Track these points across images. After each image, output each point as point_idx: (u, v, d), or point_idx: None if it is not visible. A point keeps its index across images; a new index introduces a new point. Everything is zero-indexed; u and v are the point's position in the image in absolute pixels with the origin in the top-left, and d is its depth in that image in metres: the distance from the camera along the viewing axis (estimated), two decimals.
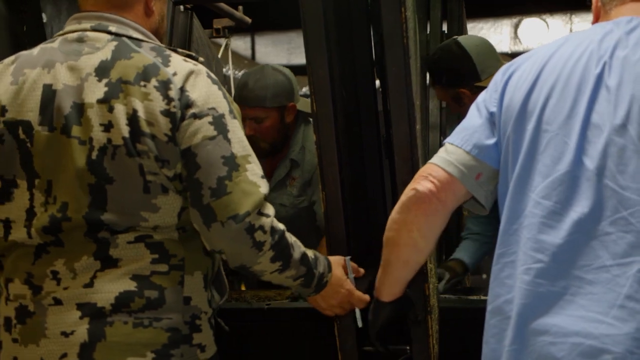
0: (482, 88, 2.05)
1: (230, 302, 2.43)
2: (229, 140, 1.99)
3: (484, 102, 1.93)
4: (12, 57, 2.09)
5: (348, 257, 2.31)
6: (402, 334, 2.32)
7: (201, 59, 2.12)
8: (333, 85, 2.33)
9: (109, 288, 1.97)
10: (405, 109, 2.29)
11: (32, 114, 1.99)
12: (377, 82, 2.53)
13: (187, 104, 1.96)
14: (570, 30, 8.11)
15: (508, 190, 1.84)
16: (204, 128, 1.96)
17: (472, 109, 1.95)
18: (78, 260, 1.98)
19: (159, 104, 1.94)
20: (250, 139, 2.15)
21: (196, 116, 1.96)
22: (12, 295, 2.03)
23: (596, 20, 1.94)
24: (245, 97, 3.26)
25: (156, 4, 2.13)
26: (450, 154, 1.91)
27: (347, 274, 2.28)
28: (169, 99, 1.95)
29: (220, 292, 2.15)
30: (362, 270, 2.33)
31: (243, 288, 3.38)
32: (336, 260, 2.27)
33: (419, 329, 2.30)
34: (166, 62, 1.99)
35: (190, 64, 2.02)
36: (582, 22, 8.21)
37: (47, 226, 1.98)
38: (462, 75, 3.10)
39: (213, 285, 2.12)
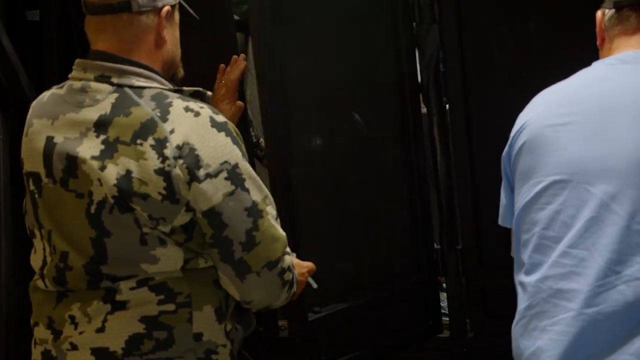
0: None
1: None
2: (247, 190, 1.97)
3: (502, 165, 1.95)
4: (33, 102, 2.11)
5: None
6: None
7: (209, 93, 2.11)
8: None
9: (119, 332, 1.95)
10: None
11: (38, 166, 2.01)
12: None
13: (197, 163, 1.91)
14: None
15: (530, 243, 1.83)
16: (222, 185, 1.94)
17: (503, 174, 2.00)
18: (90, 304, 1.96)
19: (153, 162, 1.89)
20: None
21: (210, 175, 1.93)
22: (37, 339, 2.05)
23: (601, 41, 1.94)
24: None
25: (168, 32, 2.05)
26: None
27: None
28: (164, 157, 1.89)
29: (244, 323, 2.11)
30: None
31: None
32: None
33: None
34: (165, 115, 1.92)
35: (191, 115, 1.94)
36: None
37: (55, 276, 1.99)
38: None
39: (234, 317, 2.08)
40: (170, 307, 1.95)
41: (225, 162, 1.93)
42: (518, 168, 1.89)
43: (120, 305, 1.95)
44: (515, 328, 1.84)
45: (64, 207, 1.97)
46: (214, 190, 1.92)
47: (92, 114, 1.96)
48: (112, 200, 1.91)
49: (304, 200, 2.63)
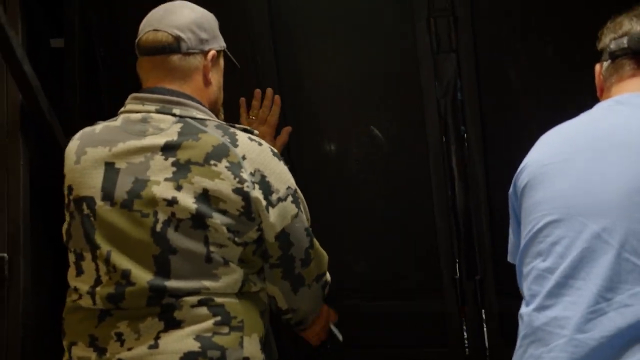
0: None
1: None
2: (304, 211, 2.21)
3: (510, 203, 2.04)
4: (78, 134, 2.21)
5: None
6: None
7: (256, 131, 2.22)
8: None
9: (173, 348, 2.02)
10: None
11: (94, 190, 2.10)
12: None
13: (269, 189, 2.10)
14: None
15: (530, 275, 1.89)
16: (289, 208, 2.14)
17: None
18: (143, 321, 2.04)
19: (230, 182, 2.05)
20: None
21: (282, 200, 2.12)
22: (75, 357, 2.10)
23: (601, 92, 2.05)
24: None
25: (213, 76, 2.23)
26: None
27: None
28: (241, 179, 2.06)
29: (270, 357, 2.20)
30: None
31: None
32: None
33: None
34: (234, 141, 2.09)
35: (255, 144, 2.12)
36: None
37: (112, 293, 2.06)
38: None
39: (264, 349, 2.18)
40: (225, 329, 2.05)
41: (289, 187, 2.15)
42: (523, 205, 1.97)
43: (175, 324, 2.03)
44: (514, 358, 1.87)
45: (125, 227, 2.06)
46: (285, 213, 2.13)
47: (157, 140, 2.09)
48: (188, 216, 2.03)
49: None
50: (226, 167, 2.05)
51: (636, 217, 1.76)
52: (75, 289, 2.13)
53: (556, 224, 1.86)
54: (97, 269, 2.09)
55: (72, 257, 2.15)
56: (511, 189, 2.04)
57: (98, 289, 2.07)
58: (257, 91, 2.83)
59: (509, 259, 2.12)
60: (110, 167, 2.10)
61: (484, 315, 3.00)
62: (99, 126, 2.19)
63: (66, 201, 2.16)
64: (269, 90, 2.85)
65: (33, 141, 2.86)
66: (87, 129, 2.21)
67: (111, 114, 2.26)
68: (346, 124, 2.97)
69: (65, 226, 2.18)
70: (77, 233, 2.12)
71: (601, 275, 1.76)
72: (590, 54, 2.08)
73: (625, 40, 1.98)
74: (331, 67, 2.94)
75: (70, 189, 2.14)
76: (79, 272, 2.12)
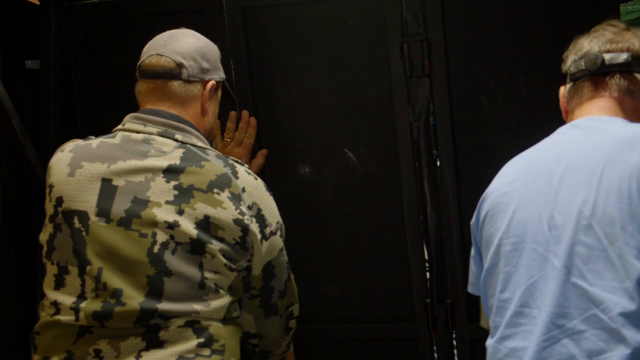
0: None
1: None
2: (284, 245, 2.25)
3: (472, 233, 2.07)
4: (70, 145, 2.20)
5: None
6: None
7: (247, 164, 2.28)
8: None
9: None
10: None
11: (88, 205, 2.08)
12: None
13: (263, 223, 2.14)
14: None
15: (493, 307, 1.92)
16: (278, 242, 2.20)
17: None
18: (124, 340, 2.03)
19: (231, 212, 2.08)
20: None
21: (273, 234, 2.17)
22: None
23: (565, 114, 2.06)
24: None
25: (210, 105, 2.27)
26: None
27: None
28: (241, 212, 2.09)
29: None
30: None
31: None
32: None
33: None
34: (235, 173, 2.13)
35: (252, 178, 2.17)
36: None
37: (98, 311, 2.04)
38: None
39: None
40: (206, 351, 2.08)
41: (278, 222, 2.21)
42: (483, 236, 1.99)
43: (158, 344, 2.05)
44: None
45: (120, 245, 2.05)
46: (274, 247, 2.19)
47: (160, 162, 2.10)
48: (187, 240, 2.05)
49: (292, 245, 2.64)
50: (228, 197, 2.09)
51: (582, 241, 1.76)
52: (55, 303, 2.10)
53: (512, 253, 1.87)
54: (82, 285, 2.07)
55: (52, 269, 2.12)
56: (473, 219, 2.05)
57: (82, 304, 2.05)
58: (233, 113, 2.85)
59: (470, 289, 2.12)
60: (107, 184, 2.09)
61: (454, 341, 3.01)
62: (95, 141, 2.17)
63: (51, 212, 2.13)
64: (245, 112, 2.86)
65: (5, 163, 2.85)
66: (81, 143, 2.19)
67: (85, 136, 2.25)
68: (321, 148, 2.98)
69: (45, 237, 2.15)
70: (64, 246, 2.10)
71: (552, 302, 1.77)
72: (564, 82, 2.09)
73: (583, 62, 1.98)
74: (306, 91, 2.96)
75: (59, 200, 2.12)
76: (59, 285, 2.10)
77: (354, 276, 3.04)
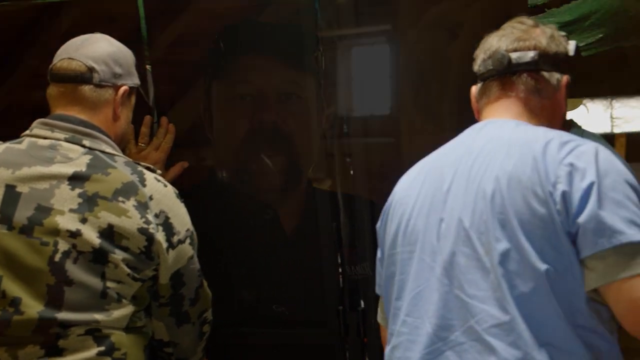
0: None
1: None
2: (195, 253, 2.23)
3: (377, 236, 2.06)
4: None
5: None
6: None
7: (159, 171, 2.24)
8: None
9: None
10: None
11: None
12: None
13: (171, 231, 2.11)
14: (611, 116, 8.23)
15: (390, 314, 1.92)
16: (186, 249, 2.17)
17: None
18: (22, 348, 2.01)
19: (136, 221, 2.06)
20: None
21: (181, 242, 2.14)
22: None
23: (477, 114, 2.01)
24: None
25: (123, 111, 2.26)
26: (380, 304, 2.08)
27: None
28: (147, 220, 2.07)
29: None
30: None
31: None
32: None
33: None
34: (142, 180, 2.11)
35: (161, 185, 2.15)
36: (623, 107, 8.22)
37: None
38: None
39: None
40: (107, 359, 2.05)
41: (188, 229, 2.18)
42: (385, 241, 1.98)
43: (57, 352, 2.01)
44: None
45: (21, 253, 2.02)
46: (183, 255, 2.16)
47: (65, 169, 2.07)
48: (89, 249, 2.02)
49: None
50: (134, 205, 2.06)
51: (462, 251, 1.74)
52: None
53: (407, 261, 1.86)
54: None
55: None
56: (379, 223, 2.04)
57: None
58: (148, 117, 2.84)
59: (377, 291, 2.09)
60: (10, 190, 2.06)
61: (365, 347, 3.04)
62: (1, 146, 2.15)
63: None
64: (164, 119, 2.87)
65: None
66: None
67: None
68: (239, 156, 3.01)
69: None
70: None
71: (436, 314, 1.76)
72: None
73: (490, 62, 1.94)
74: None
75: None
76: None
77: (269, 283, 3.06)
